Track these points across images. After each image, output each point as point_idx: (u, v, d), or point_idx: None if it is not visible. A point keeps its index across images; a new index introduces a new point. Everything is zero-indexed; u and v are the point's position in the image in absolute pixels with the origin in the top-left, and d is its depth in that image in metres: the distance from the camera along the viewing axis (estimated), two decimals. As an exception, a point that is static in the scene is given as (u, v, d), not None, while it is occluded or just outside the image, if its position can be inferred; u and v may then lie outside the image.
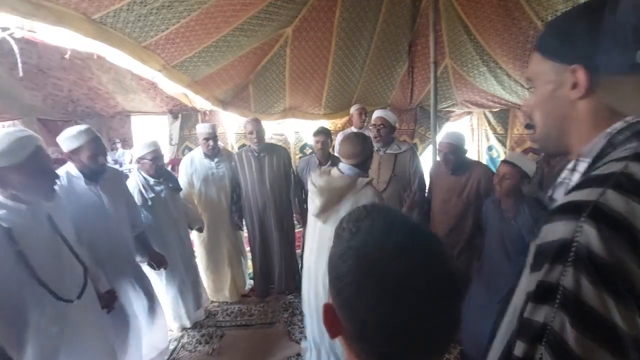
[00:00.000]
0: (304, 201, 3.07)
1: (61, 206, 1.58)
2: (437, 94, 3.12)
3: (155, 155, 2.40)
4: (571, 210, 0.51)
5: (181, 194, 2.77)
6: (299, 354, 2.39)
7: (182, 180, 2.91)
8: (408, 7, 3.34)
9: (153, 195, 2.40)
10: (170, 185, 2.55)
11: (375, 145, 2.53)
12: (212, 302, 3.14)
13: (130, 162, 4.41)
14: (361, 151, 1.74)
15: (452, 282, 0.42)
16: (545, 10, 2.71)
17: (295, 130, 4.96)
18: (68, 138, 1.76)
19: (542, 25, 2.82)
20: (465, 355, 2.24)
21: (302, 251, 3.10)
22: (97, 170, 1.85)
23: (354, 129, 3.54)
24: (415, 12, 3.43)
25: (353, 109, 3.66)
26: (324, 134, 2.90)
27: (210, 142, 2.92)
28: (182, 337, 2.65)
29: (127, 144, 4.76)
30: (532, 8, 2.74)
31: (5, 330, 1.22)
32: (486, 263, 2.03)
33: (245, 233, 3.23)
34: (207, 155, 2.99)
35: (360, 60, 3.76)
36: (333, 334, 0.47)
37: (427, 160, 3.41)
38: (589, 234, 0.46)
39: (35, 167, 1.29)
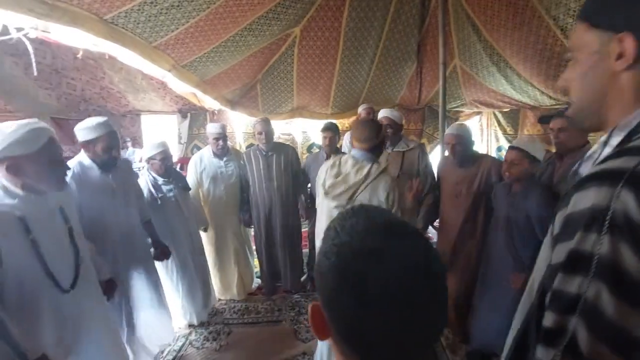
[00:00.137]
0: (309, 197, 3.08)
1: (71, 197, 1.61)
2: (445, 94, 3.10)
3: (164, 156, 2.43)
4: (606, 177, 0.50)
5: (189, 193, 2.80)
6: (304, 353, 2.40)
7: (191, 178, 2.95)
8: (417, 7, 3.32)
9: (162, 194, 2.44)
10: (180, 184, 2.59)
11: (383, 144, 2.53)
12: (220, 299, 3.17)
13: (140, 161, 4.47)
14: (375, 135, 1.72)
15: (432, 285, 0.41)
16: (557, 9, 2.66)
17: (302, 130, 4.97)
18: (86, 128, 1.81)
19: (554, 24, 2.78)
20: (472, 355, 2.22)
21: (309, 249, 3.13)
22: (109, 162, 1.89)
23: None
24: (424, 12, 3.40)
25: (361, 109, 3.65)
26: (332, 130, 2.91)
27: (220, 142, 2.95)
28: (189, 334, 2.68)
29: (137, 142, 4.83)
30: (544, 6, 2.69)
31: (19, 317, 1.25)
32: (492, 248, 2.01)
33: (252, 232, 3.26)
34: (216, 155, 3.02)
35: (368, 60, 3.75)
36: (320, 335, 0.46)
37: (435, 160, 3.39)
38: (627, 201, 0.45)
39: (49, 156, 1.33)
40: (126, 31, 2.20)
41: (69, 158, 1.85)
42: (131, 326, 2.08)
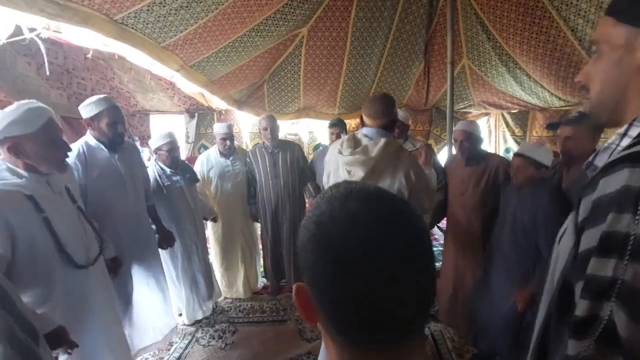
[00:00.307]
0: (317, 188, 3.07)
1: (74, 179, 1.61)
2: (453, 95, 3.07)
3: (172, 147, 2.45)
4: (634, 159, 0.50)
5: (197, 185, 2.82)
6: (309, 352, 2.41)
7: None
8: (425, 6, 3.30)
9: (169, 183, 2.44)
10: (187, 175, 2.60)
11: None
12: (225, 298, 3.19)
13: (149, 160, 4.52)
14: (390, 110, 1.63)
15: (414, 253, 0.39)
16: (568, 9, 2.63)
17: (309, 130, 4.97)
18: (89, 104, 1.82)
19: (565, 25, 2.74)
20: (477, 358, 2.20)
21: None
22: (115, 140, 1.88)
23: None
24: (432, 11, 3.38)
25: (367, 109, 3.65)
26: (339, 126, 2.93)
27: (227, 142, 2.97)
28: (196, 331, 2.71)
29: (145, 141, 4.88)
30: (555, 6, 2.66)
31: (33, 294, 1.27)
32: (496, 249, 1.99)
33: (258, 230, 3.27)
34: (222, 154, 3.04)
35: (375, 60, 3.74)
36: (307, 316, 0.44)
37: (442, 161, 3.36)
38: None
39: (49, 136, 1.33)
40: (135, 31, 2.22)
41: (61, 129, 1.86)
42: (129, 310, 2.08)
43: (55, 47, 2.95)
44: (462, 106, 4.44)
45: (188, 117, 4.54)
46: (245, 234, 3.18)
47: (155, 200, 2.36)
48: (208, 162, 3.06)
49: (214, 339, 2.62)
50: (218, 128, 3.01)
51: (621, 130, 0.61)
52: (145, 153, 4.85)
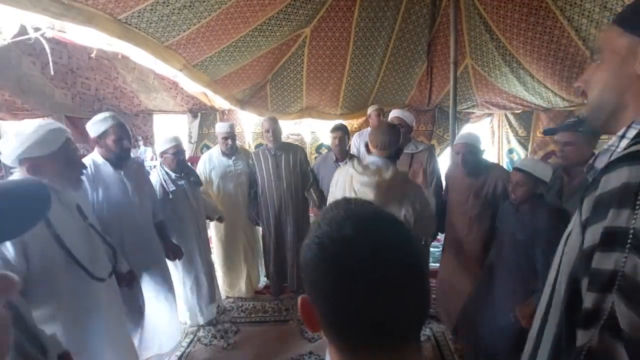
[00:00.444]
0: (321, 196, 3.07)
1: (86, 196, 1.67)
2: (456, 95, 3.07)
3: (177, 150, 2.46)
4: (633, 158, 0.52)
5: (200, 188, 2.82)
6: (311, 352, 2.40)
7: (200, 177, 2.97)
8: (428, 6, 3.29)
9: (174, 188, 2.46)
10: (192, 179, 2.62)
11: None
12: (228, 297, 3.19)
13: (152, 159, 4.53)
14: (396, 141, 1.70)
15: (404, 270, 0.43)
16: (572, 9, 2.61)
17: (311, 130, 4.97)
18: (95, 123, 1.87)
19: (569, 25, 2.73)
20: None
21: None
22: (122, 156, 1.93)
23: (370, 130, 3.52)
24: (435, 11, 3.37)
25: (370, 110, 3.65)
26: (342, 131, 2.90)
27: (229, 141, 2.98)
28: (198, 331, 2.71)
29: (148, 141, 4.89)
30: (558, 6, 2.65)
31: (43, 307, 1.29)
32: (497, 266, 1.97)
33: (261, 231, 3.27)
34: (224, 154, 3.04)
35: (378, 60, 3.74)
36: (311, 327, 0.49)
37: (444, 162, 3.35)
38: None
39: (67, 156, 1.39)
40: (139, 31, 2.23)
41: (83, 156, 1.90)
42: (141, 323, 2.11)
43: (60, 47, 2.96)
44: (465, 106, 4.43)
45: (191, 116, 4.55)
46: (247, 233, 3.18)
47: (159, 203, 2.38)
48: (210, 162, 3.06)
49: (216, 338, 2.62)
50: (220, 127, 3.01)
51: (620, 132, 0.63)
52: (148, 153, 4.88)
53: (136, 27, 2.20)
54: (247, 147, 4.54)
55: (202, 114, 4.54)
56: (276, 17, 2.81)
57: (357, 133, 3.93)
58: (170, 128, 4.85)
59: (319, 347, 2.44)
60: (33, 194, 0.57)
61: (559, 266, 0.67)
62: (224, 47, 2.86)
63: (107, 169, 1.92)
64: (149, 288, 2.14)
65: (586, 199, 0.60)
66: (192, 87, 3.33)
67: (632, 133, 0.61)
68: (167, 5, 2.15)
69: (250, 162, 3.06)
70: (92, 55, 2.42)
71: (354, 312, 0.43)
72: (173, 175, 2.49)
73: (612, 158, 0.58)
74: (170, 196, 2.44)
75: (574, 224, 0.64)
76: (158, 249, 2.23)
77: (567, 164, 1.85)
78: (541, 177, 1.75)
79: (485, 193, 2.22)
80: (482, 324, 1.98)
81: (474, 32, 3.37)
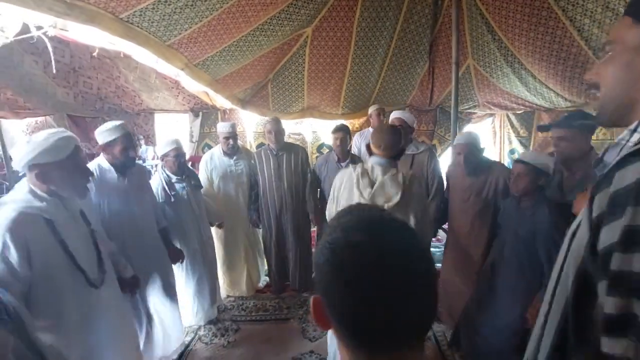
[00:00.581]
0: (319, 202, 3.07)
1: (90, 202, 1.70)
2: (458, 95, 3.06)
3: (177, 153, 2.47)
4: None
5: (202, 190, 2.83)
6: (312, 351, 2.41)
7: (202, 176, 2.98)
8: (430, 6, 3.29)
9: (175, 192, 2.48)
10: (193, 182, 2.63)
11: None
12: (229, 296, 3.20)
13: (153, 158, 4.54)
14: (398, 142, 1.72)
15: (416, 278, 0.45)
16: (574, 9, 2.61)
17: (312, 130, 4.97)
18: (105, 131, 1.91)
19: (571, 25, 2.72)
20: None
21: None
22: (126, 164, 1.98)
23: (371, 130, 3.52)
24: (437, 11, 3.37)
25: (372, 110, 3.65)
26: (343, 131, 2.90)
27: (230, 141, 2.98)
28: (198, 329, 2.71)
29: (149, 140, 4.90)
30: (561, 7, 2.64)
31: (45, 312, 1.30)
32: (499, 264, 1.97)
33: (261, 231, 3.27)
34: (226, 154, 3.05)
35: (379, 60, 3.73)
36: (322, 326, 0.51)
37: (446, 162, 3.35)
38: None
39: (75, 164, 1.41)
40: (141, 30, 2.24)
41: (85, 154, 1.92)
42: (147, 329, 2.14)
43: (62, 46, 2.97)
44: (467, 106, 4.42)
45: (192, 116, 4.56)
46: (248, 233, 3.19)
47: (161, 207, 2.40)
48: (212, 162, 3.07)
49: (216, 336, 2.63)
50: (221, 127, 3.02)
51: (632, 126, 0.61)
52: (149, 152, 4.89)
53: (138, 26, 2.20)
54: (248, 147, 4.54)
55: (204, 113, 4.55)
56: (278, 17, 2.82)
57: (359, 133, 3.93)
58: (172, 127, 4.86)
59: (319, 345, 2.44)
60: None
61: (563, 262, 0.65)
62: (226, 47, 2.86)
63: (111, 174, 1.97)
64: (153, 293, 2.16)
65: (598, 195, 0.57)
66: (194, 86, 3.34)
67: None
68: (169, 4, 2.15)
69: (252, 161, 3.07)
70: (94, 54, 2.43)
71: (361, 317, 0.45)
72: (174, 178, 2.51)
73: (623, 152, 0.56)
74: (172, 199, 2.45)
75: (582, 218, 0.62)
76: (162, 254, 2.25)
77: (563, 158, 1.86)
78: (542, 168, 1.75)
79: (486, 192, 2.22)
80: (485, 323, 1.98)
81: (475, 33, 3.37)
